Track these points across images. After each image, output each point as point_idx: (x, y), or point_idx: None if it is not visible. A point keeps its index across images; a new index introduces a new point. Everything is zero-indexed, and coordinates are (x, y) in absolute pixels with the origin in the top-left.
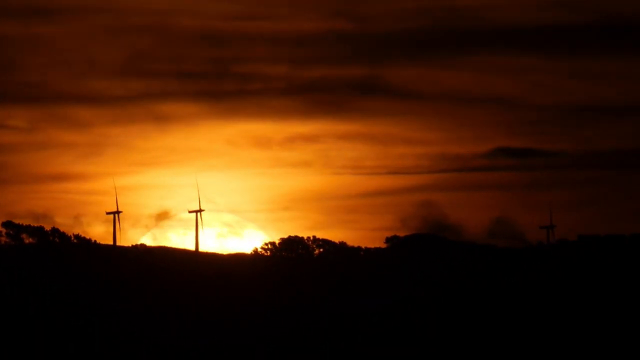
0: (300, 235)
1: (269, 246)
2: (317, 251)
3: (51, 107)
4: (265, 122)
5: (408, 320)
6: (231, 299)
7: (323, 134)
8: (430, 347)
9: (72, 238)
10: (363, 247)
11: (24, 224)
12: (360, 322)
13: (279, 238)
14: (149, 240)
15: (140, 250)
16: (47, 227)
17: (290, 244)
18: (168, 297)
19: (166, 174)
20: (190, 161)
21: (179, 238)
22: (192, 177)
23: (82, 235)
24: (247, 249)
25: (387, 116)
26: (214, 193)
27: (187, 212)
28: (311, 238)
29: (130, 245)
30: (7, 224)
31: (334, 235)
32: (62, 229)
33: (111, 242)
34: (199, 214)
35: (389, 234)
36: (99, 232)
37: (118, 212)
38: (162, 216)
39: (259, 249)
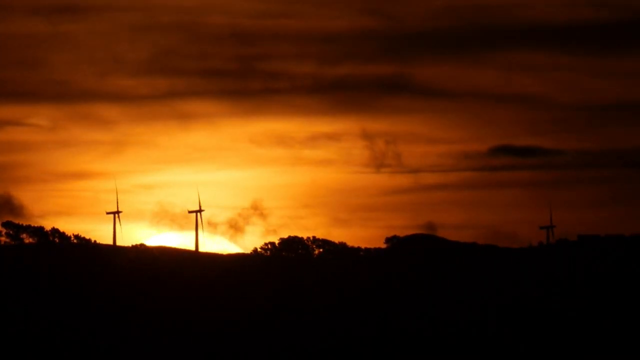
0: (318, 233)
1: (269, 246)
2: (316, 251)
3: (75, 105)
4: (290, 121)
5: (408, 320)
6: (231, 299)
7: (346, 133)
8: (429, 347)
9: (72, 238)
10: (363, 247)
11: (24, 224)
12: (359, 322)
13: (278, 238)
14: (149, 240)
15: (140, 250)
16: (47, 227)
17: (290, 244)
18: (168, 297)
19: (188, 172)
20: (212, 159)
21: (178, 238)
22: (207, 176)
23: (83, 235)
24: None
25: (412, 115)
26: (234, 191)
27: (187, 212)
28: (311, 238)
29: (130, 245)
30: (7, 224)
31: (353, 233)
32: (80, 228)
33: (131, 243)
34: (199, 214)
35: (404, 233)
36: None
37: (118, 212)
38: (165, 215)
39: (259, 249)
